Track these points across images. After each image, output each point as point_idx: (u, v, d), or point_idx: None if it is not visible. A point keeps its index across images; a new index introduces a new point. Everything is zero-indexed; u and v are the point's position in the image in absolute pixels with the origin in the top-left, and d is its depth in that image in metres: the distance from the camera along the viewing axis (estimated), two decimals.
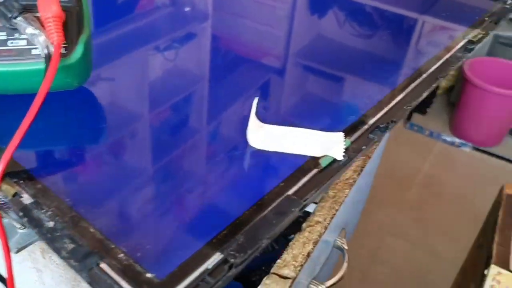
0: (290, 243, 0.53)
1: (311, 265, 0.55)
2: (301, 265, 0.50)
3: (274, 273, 0.49)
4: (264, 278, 0.48)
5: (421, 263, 1.41)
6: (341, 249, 0.62)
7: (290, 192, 0.37)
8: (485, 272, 0.72)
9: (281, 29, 0.67)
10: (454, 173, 1.73)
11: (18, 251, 0.38)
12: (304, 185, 0.38)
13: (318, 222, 0.56)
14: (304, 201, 0.36)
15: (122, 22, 0.62)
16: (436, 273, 1.39)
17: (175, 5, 0.70)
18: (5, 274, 0.40)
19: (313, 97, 0.52)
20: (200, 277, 0.30)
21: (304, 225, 0.55)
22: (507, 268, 0.72)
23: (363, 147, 0.42)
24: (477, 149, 1.82)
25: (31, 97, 0.36)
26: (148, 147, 0.41)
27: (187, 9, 0.68)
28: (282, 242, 0.73)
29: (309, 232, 0.54)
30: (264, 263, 0.68)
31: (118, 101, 0.48)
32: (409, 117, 1.93)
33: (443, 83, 1.99)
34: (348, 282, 1.35)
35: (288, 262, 0.50)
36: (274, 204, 0.35)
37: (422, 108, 1.95)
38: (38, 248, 0.48)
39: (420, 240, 1.48)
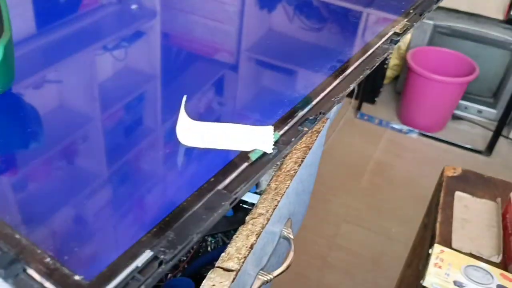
0: (234, 236, 0.54)
1: (256, 257, 0.56)
2: (245, 257, 0.52)
3: (218, 267, 0.50)
4: (209, 272, 0.49)
5: (376, 246, 1.47)
6: (287, 239, 0.64)
7: (220, 186, 0.38)
8: (430, 251, 0.76)
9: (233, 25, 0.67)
10: (403, 158, 1.80)
11: None
12: (234, 179, 0.39)
13: (260, 214, 0.57)
14: (235, 194, 0.37)
15: (66, 22, 0.61)
16: (391, 254, 1.44)
17: (121, 3, 0.69)
18: None
19: (245, 92, 0.53)
20: (130, 275, 0.30)
21: (247, 217, 0.56)
22: (450, 246, 0.76)
23: (293, 139, 0.43)
24: (424, 135, 1.90)
25: None
26: (77, 147, 0.41)
27: (133, 6, 0.67)
28: (232, 236, 0.75)
29: (252, 224, 0.56)
30: (216, 258, 0.69)
31: (66, 103, 0.48)
32: (358, 107, 1.99)
33: (389, 72, 2.06)
34: (308, 269, 1.39)
35: (232, 255, 0.52)
36: (204, 200, 0.36)
37: (370, 98, 2.01)
38: None
39: (375, 224, 1.53)
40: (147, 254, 0.32)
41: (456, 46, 1.88)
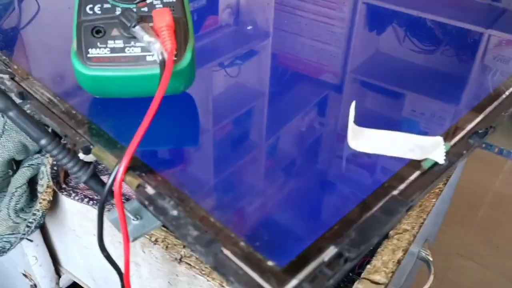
0: (379, 249, 0.53)
1: (399, 274, 0.54)
2: (393, 272, 0.50)
3: (365, 278, 0.49)
4: (356, 282, 0.48)
5: (493, 285, 1.34)
6: (425, 260, 0.61)
7: (395, 192, 0.37)
8: None
9: (340, 47, 0.68)
10: None
11: (134, 240, 0.40)
12: (408, 186, 0.38)
13: (405, 230, 0.55)
14: (411, 201, 0.36)
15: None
16: None
17: (238, 24, 0.74)
18: (120, 264, 0.43)
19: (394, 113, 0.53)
20: (318, 268, 0.31)
21: (391, 232, 0.55)
22: None
23: (464, 151, 0.42)
24: None
25: (141, 100, 0.40)
26: (263, 141, 0.44)
27: (249, 27, 0.71)
28: None
29: (398, 239, 0.54)
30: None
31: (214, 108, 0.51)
32: None
33: None
34: None
35: (378, 268, 0.50)
36: (380, 204, 0.36)
37: None
38: (139, 242, 0.52)
39: (491, 262, 1.40)
40: (332, 250, 0.32)
41: None
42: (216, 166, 0.40)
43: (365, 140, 0.42)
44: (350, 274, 0.62)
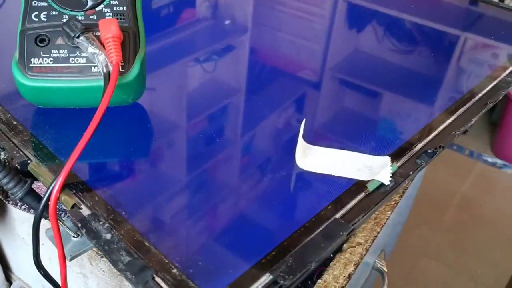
0: (331, 263, 0.53)
1: (352, 286, 0.54)
2: (342, 287, 0.50)
3: None
4: None
5: (456, 286, 1.37)
6: (380, 271, 0.61)
7: (338, 215, 0.37)
8: None
9: (319, 43, 0.67)
10: (495, 195, 1.68)
11: (72, 259, 0.39)
12: (351, 209, 0.38)
13: (359, 243, 0.55)
14: (352, 225, 0.36)
15: (164, 33, 0.64)
16: None
17: (216, 18, 0.72)
18: (58, 280, 0.41)
19: (355, 116, 0.52)
20: None
21: (345, 245, 0.55)
22: None
23: (411, 172, 0.42)
24: None
25: (89, 111, 0.38)
26: (196, 163, 0.43)
27: (227, 22, 0.70)
28: None
29: (350, 253, 0.54)
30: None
31: (160, 111, 0.50)
32: None
33: None
34: None
35: (328, 283, 0.50)
36: (321, 227, 0.35)
37: None
38: (86, 254, 0.50)
39: (457, 263, 1.43)
40: (266, 278, 0.31)
41: None
42: (158, 186, 0.39)
43: (313, 159, 0.41)
44: (309, 283, 0.62)
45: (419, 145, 0.45)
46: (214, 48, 0.63)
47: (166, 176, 0.40)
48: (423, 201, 1.65)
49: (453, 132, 0.47)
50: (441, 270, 1.42)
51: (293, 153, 0.41)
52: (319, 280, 0.50)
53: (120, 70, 0.42)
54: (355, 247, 0.55)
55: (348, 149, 0.43)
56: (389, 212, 0.59)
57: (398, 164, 0.42)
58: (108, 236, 0.33)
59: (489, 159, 1.81)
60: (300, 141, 0.42)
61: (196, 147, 0.46)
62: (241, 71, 0.60)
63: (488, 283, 1.38)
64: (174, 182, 0.39)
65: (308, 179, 0.40)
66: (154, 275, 0.30)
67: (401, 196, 0.61)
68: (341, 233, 0.35)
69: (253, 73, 0.60)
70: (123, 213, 0.35)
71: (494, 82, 0.55)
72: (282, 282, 0.31)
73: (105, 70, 0.40)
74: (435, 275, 1.40)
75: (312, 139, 0.44)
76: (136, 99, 0.46)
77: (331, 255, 0.61)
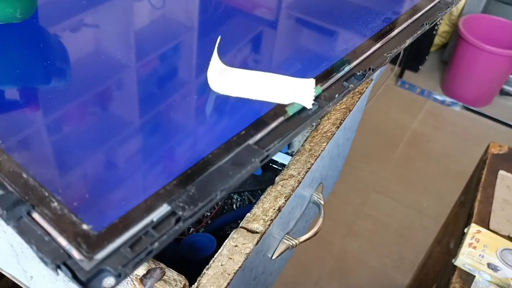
0: (262, 196, 0.51)
1: (283, 220, 0.53)
2: (271, 220, 0.48)
3: (242, 227, 0.47)
4: (232, 232, 0.46)
5: (404, 219, 1.42)
6: (317, 204, 0.60)
7: (251, 141, 0.33)
8: (465, 230, 0.71)
9: None
10: (443, 132, 1.71)
11: None
12: (267, 134, 0.34)
13: (291, 176, 0.53)
14: (267, 151, 0.33)
15: None
16: (419, 229, 1.40)
17: None
18: None
19: (287, 43, 0.48)
20: (143, 230, 0.27)
21: (277, 178, 0.53)
22: (487, 227, 0.71)
23: (336, 95, 0.38)
24: (467, 109, 1.80)
25: None
26: (98, 89, 0.38)
27: None
28: (259, 196, 0.71)
29: (282, 186, 0.52)
30: (240, 216, 0.66)
31: (101, 48, 0.44)
32: (400, 74, 1.89)
33: (437, 39, 1.93)
34: (333, 235, 1.36)
35: (257, 216, 0.48)
36: (232, 154, 0.32)
37: (414, 65, 1.90)
38: None
39: (404, 197, 1.48)
40: (164, 209, 0.28)
41: None
42: (42, 114, 0.34)
43: (227, 81, 0.37)
44: None
45: (347, 68, 0.42)
46: None
47: (53, 105, 0.35)
48: (374, 138, 1.67)
49: (385, 54, 0.44)
50: (390, 204, 1.46)
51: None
52: (248, 214, 0.48)
53: None
54: (287, 179, 0.53)
55: (271, 72, 0.39)
56: (324, 144, 0.57)
57: (323, 87, 0.39)
58: None
59: (439, 97, 1.83)
60: (214, 61, 0.37)
61: (88, 71, 0.40)
62: (192, 8, 0.53)
63: (432, 214, 1.44)
64: (61, 109, 0.35)
65: (223, 103, 0.37)
66: (31, 210, 0.26)
67: (337, 127, 0.59)
68: (252, 160, 0.32)
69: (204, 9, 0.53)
70: (1, 142, 0.30)
71: (433, 3, 0.51)
72: (181, 213, 0.28)
73: None
74: (384, 209, 1.44)
75: (232, 61, 0.39)
76: (26, 15, 0.40)
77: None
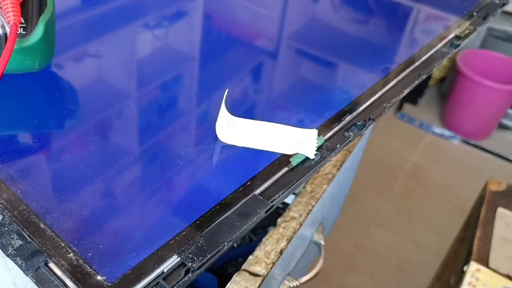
0: (264, 239, 0.52)
1: (285, 262, 0.54)
2: (273, 263, 0.49)
3: (244, 270, 0.48)
4: (235, 275, 0.47)
5: (404, 253, 1.42)
6: (318, 244, 0.61)
7: (257, 191, 0.35)
8: (465, 268, 0.72)
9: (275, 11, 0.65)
10: (442, 165, 1.73)
11: None
12: (272, 184, 0.36)
13: (293, 217, 0.54)
14: (272, 201, 0.34)
15: None
16: (419, 263, 1.39)
17: None
18: None
19: (289, 87, 0.50)
20: (155, 281, 0.28)
21: (279, 220, 0.54)
22: (486, 265, 0.72)
23: (338, 145, 0.40)
24: (466, 142, 1.82)
25: None
26: (99, 135, 0.39)
27: None
28: (260, 233, 0.73)
29: (284, 228, 0.53)
30: (241, 254, 0.67)
31: (105, 79, 0.46)
32: (400, 107, 1.92)
33: (436, 73, 1.97)
34: (332, 269, 1.36)
35: (260, 259, 0.49)
36: (238, 205, 0.34)
37: (413, 98, 1.94)
38: None
39: (404, 230, 1.48)
40: (173, 260, 0.29)
41: (510, 52, 1.78)
42: (58, 162, 0.36)
43: (234, 131, 0.39)
44: None
45: (348, 118, 0.44)
46: (164, 14, 0.59)
47: (68, 153, 0.37)
48: (374, 170, 1.68)
49: (384, 104, 0.46)
50: (390, 237, 1.47)
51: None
52: (250, 257, 0.50)
53: (21, 32, 0.38)
54: (289, 221, 0.54)
55: (274, 121, 0.41)
56: (326, 186, 0.59)
57: (326, 137, 0.41)
58: None
59: (438, 130, 1.86)
60: (223, 112, 0.40)
61: (107, 119, 0.42)
62: (194, 38, 0.56)
63: (433, 248, 1.44)
64: (76, 158, 0.36)
65: (229, 153, 0.38)
66: (48, 260, 0.28)
67: (338, 169, 0.61)
68: (258, 211, 0.33)
69: (206, 39, 0.56)
70: (18, 192, 0.32)
71: (429, 53, 0.54)
72: (190, 264, 0.29)
73: (1, 32, 0.36)
74: (384, 242, 1.45)
75: (232, 107, 0.41)
76: (44, 65, 0.42)
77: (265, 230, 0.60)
